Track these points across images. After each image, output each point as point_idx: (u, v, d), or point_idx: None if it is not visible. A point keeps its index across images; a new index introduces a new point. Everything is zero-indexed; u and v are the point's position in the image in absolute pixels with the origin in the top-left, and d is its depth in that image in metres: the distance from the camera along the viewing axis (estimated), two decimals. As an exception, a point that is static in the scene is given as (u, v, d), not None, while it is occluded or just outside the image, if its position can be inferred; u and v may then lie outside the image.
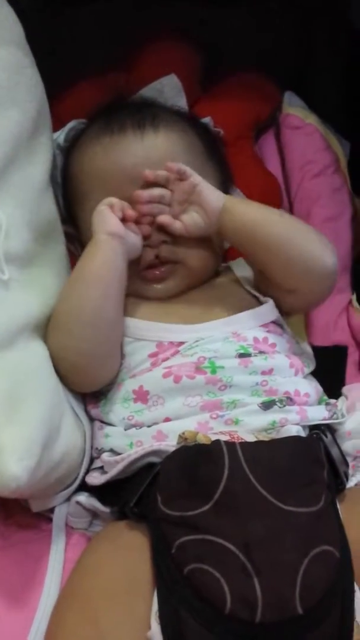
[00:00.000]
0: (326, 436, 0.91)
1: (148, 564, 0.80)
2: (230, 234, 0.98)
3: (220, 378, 0.91)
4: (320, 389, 0.99)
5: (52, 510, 0.92)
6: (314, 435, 0.90)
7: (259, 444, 0.85)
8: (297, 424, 0.90)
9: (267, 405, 0.90)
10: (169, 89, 1.21)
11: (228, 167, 1.12)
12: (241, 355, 0.93)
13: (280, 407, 0.90)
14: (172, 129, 1.01)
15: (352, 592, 0.78)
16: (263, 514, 0.78)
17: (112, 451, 0.92)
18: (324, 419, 0.93)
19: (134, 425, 0.91)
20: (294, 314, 1.06)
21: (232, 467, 0.80)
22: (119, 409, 0.93)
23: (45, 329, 0.93)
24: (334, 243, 1.18)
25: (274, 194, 1.25)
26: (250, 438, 0.86)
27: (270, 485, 0.80)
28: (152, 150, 0.99)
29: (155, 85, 1.21)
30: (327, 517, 0.81)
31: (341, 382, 1.09)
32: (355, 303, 1.18)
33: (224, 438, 0.84)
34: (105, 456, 0.91)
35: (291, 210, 1.26)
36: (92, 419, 0.96)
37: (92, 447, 0.94)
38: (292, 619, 0.74)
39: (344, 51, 1.29)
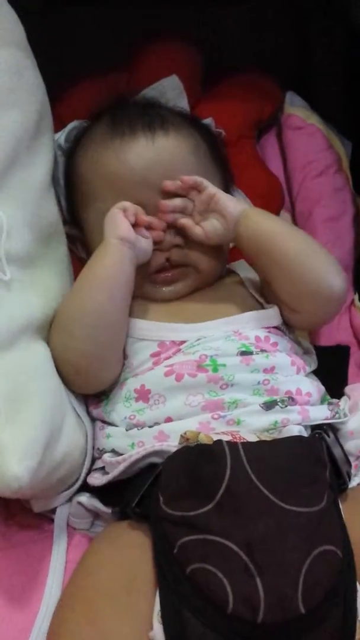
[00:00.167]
0: (328, 436, 0.90)
1: (150, 564, 0.80)
2: (245, 242, 0.98)
3: (221, 376, 0.91)
4: (322, 388, 0.99)
5: (53, 510, 0.92)
6: (316, 435, 0.90)
7: (261, 444, 0.85)
8: (299, 424, 0.90)
9: (268, 406, 0.90)
10: (170, 90, 1.21)
11: (230, 167, 1.12)
12: (243, 353, 0.93)
13: (282, 407, 0.90)
14: (180, 132, 1.01)
15: (355, 591, 0.78)
16: (265, 514, 0.78)
17: (114, 452, 0.92)
18: (326, 419, 0.93)
19: (135, 425, 0.91)
20: (297, 330, 1.05)
21: (234, 467, 0.80)
22: (121, 408, 0.93)
23: (46, 329, 0.93)
24: (336, 243, 1.20)
25: (275, 194, 1.25)
26: (252, 438, 0.86)
27: (272, 485, 0.79)
28: (163, 153, 0.99)
29: (156, 87, 1.21)
30: (330, 516, 0.81)
31: (344, 382, 1.09)
32: (357, 303, 1.18)
33: (225, 438, 0.84)
34: (107, 457, 0.91)
35: (293, 210, 1.26)
36: (93, 419, 0.96)
37: (93, 448, 0.94)
38: (295, 619, 0.74)
39: (345, 51, 1.29)
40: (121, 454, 0.90)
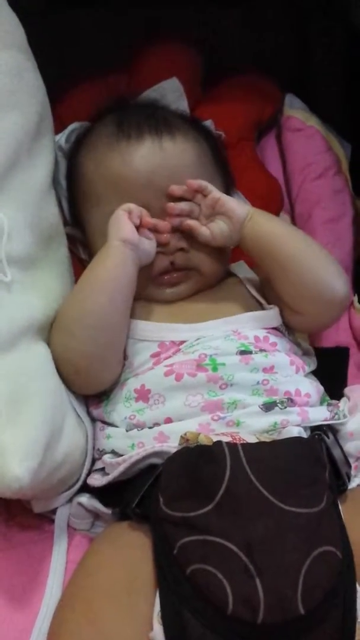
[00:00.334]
0: (328, 437, 0.91)
1: (150, 565, 0.80)
2: (249, 243, 0.99)
3: (221, 376, 0.91)
4: (321, 388, 0.99)
5: (54, 511, 0.92)
6: (316, 436, 0.90)
7: (260, 445, 0.85)
8: (299, 425, 0.90)
9: (268, 407, 0.90)
10: (170, 93, 1.20)
11: (230, 169, 1.12)
12: (242, 353, 0.93)
13: (281, 409, 0.91)
14: (186, 136, 1.01)
15: (354, 592, 0.78)
16: (265, 515, 0.78)
17: (114, 452, 0.92)
18: (326, 420, 0.93)
19: (135, 426, 0.91)
20: (297, 332, 1.05)
21: (234, 468, 0.80)
22: (121, 408, 0.93)
23: (47, 331, 0.94)
24: (336, 245, 1.20)
25: (275, 196, 1.25)
26: (252, 439, 0.86)
27: (272, 486, 0.80)
28: (169, 156, 0.99)
29: (156, 89, 1.20)
30: (329, 517, 0.81)
31: (343, 383, 1.09)
32: (356, 304, 1.18)
33: (225, 439, 0.84)
34: (107, 458, 0.91)
35: (292, 212, 1.26)
36: (93, 420, 0.96)
37: (93, 448, 0.94)
38: (294, 620, 0.74)
39: (345, 51, 1.29)
40: (121, 455, 0.90)
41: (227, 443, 0.83)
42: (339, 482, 0.88)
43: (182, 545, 0.78)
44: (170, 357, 0.94)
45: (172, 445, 0.86)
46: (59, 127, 1.10)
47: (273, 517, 0.78)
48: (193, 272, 1.01)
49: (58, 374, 0.92)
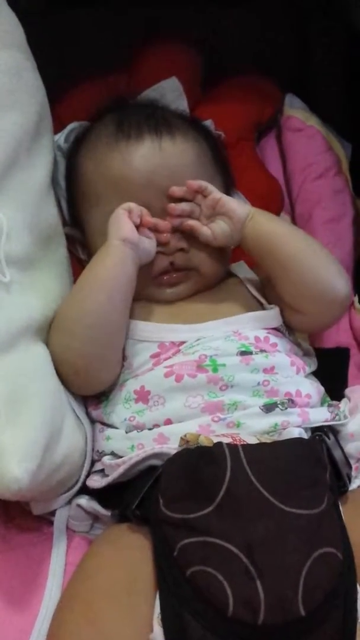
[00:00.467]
0: (329, 438, 0.91)
1: (149, 566, 0.80)
2: (250, 243, 0.99)
3: (221, 377, 0.91)
4: (322, 389, 0.99)
5: (53, 513, 0.92)
6: (317, 437, 0.90)
7: (261, 446, 0.85)
8: (299, 426, 0.90)
9: (268, 408, 0.90)
10: (170, 92, 1.21)
11: (230, 169, 1.12)
12: (242, 353, 0.93)
13: (282, 410, 0.91)
14: (186, 137, 1.01)
15: (355, 593, 0.78)
16: (265, 516, 0.78)
17: (113, 454, 0.92)
18: (326, 421, 0.93)
19: (135, 427, 0.91)
20: (297, 332, 1.05)
21: (235, 469, 0.80)
22: (121, 409, 0.93)
23: (46, 331, 0.93)
24: (336, 245, 1.20)
25: (275, 196, 1.25)
26: (253, 440, 0.86)
27: (272, 487, 0.80)
28: (169, 157, 0.99)
29: (156, 88, 1.21)
30: (330, 519, 0.81)
31: (344, 384, 1.09)
32: (357, 305, 1.18)
33: (225, 440, 0.84)
34: (106, 459, 0.91)
35: (293, 213, 1.26)
36: (93, 421, 0.96)
37: (93, 450, 0.94)
38: (295, 621, 0.74)
39: (345, 51, 1.29)
40: (121, 457, 0.90)
41: (228, 444, 0.82)
42: (339, 483, 0.88)
43: (183, 546, 0.78)
44: (170, 357, 0.94)
45: (172, 447, 0.86)
46: (58, 127, 1.10)
47: (274, 519, 0.78)
48: (193, 273, 1.01)
49: (57, 375, 0.92)
